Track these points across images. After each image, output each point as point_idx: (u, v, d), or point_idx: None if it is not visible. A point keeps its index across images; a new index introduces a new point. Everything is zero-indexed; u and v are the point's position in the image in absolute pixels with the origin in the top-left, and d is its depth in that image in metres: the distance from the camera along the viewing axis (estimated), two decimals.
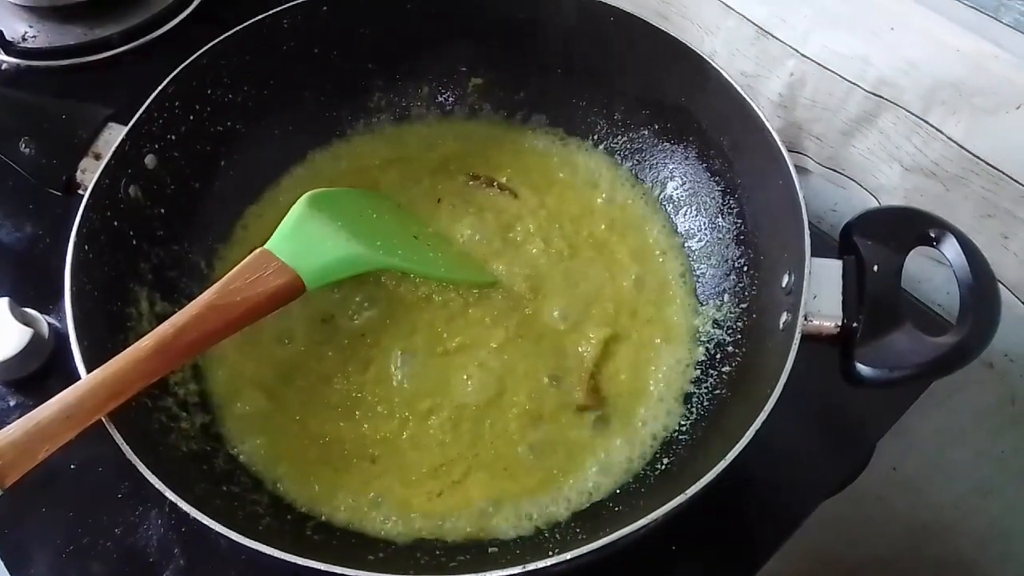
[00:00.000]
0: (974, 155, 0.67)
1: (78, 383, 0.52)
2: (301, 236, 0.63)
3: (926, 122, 0.69)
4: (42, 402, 0.51)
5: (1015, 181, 0.66)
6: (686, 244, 0.74)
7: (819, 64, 0.74)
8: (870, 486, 0.75)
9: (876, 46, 0.70)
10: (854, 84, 0.72)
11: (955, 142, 0.68)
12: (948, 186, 0.71)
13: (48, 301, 0.74)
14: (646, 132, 0.77)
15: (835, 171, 0.81)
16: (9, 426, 0.49)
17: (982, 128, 0.66)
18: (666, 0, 0.84)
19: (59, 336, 0.72)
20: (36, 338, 0.70)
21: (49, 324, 0.72)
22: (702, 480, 0.49)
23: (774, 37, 0.76)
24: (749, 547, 0.66)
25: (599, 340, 0.69)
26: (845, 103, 0.74)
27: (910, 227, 0.57)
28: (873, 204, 0.79)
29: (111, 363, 0.53)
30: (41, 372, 0.71)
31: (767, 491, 0.67)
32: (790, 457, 0.68)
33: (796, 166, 0.61)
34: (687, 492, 0.48)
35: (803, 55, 0.75)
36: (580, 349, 0.68)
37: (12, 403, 0.70)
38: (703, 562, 0.66)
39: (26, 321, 0.70)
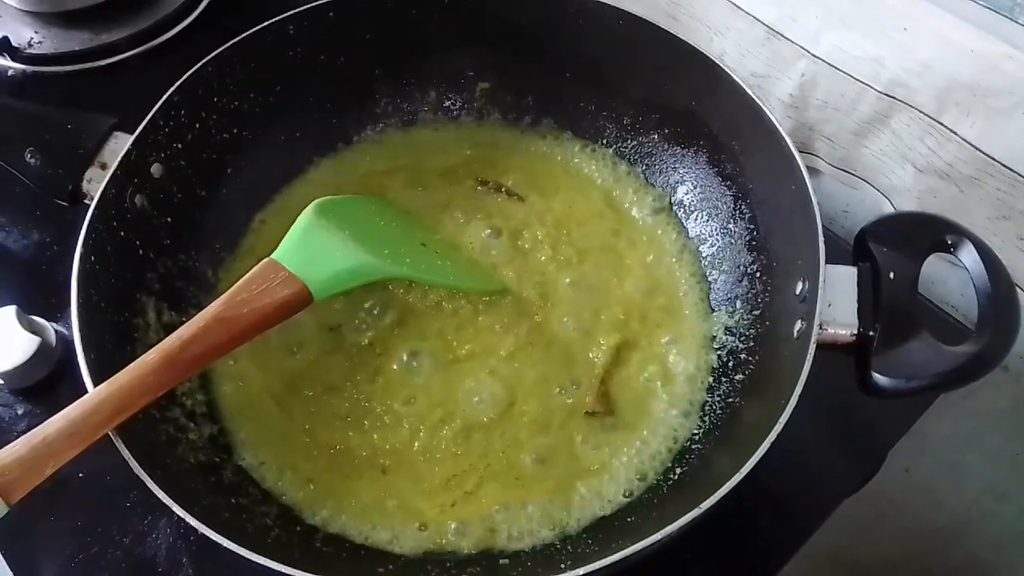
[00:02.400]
0: (989, 156, 0.66)
1: (84, 398, 0.51)
2: (308, 246, 0.62)
3: (940, 123, 0.69)
4: (50, 410, 0.51)
5: None
6: (697, 249, 0.73)
7: (831, 65, 0.73)
8: (883, 488, 0.74)
9: (889, 46, 0.69)
10: (866, 85, 0.71)
11: (969, 143, 0.67)
12: (962, 188, 0.70)
13: (56, 309, 0.74)
14: (656, 136, 0.77)
15: (847, 172, 0.80)
16: (14, 442, 0.49)
17: (997, 129, 0.65)
18: (675, 1, 0.83)
19: (67, 344, 0.72)
20: (44, 346, 0.70)
21: (57, 332, 0.72)
22: (718, 493, 0.48)
23: (785, 38, 0.75)
24: (763, 555, 0.65)
25: (609, 346, 0.68)
26: (857, 104, 0.73)
27: (926, 233, 0.56)
28: (886, 205, 0.78)
29: (117, 377, 0.52)
30: (49, 380, 0.71)
31: (781, 498, 0.67)
32: (803, 463, 0.67)
33: (808, 167, 0.61)
34: (702, 506, 0.48)
35: (814, 56, 0.74)
36: (591, 355, 0.68)
37: (20, 411, 0.70)
38: (716, 570, 0.65)
39: (34, 329, 0.70)
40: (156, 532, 0.64)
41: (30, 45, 0.92)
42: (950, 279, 0.76)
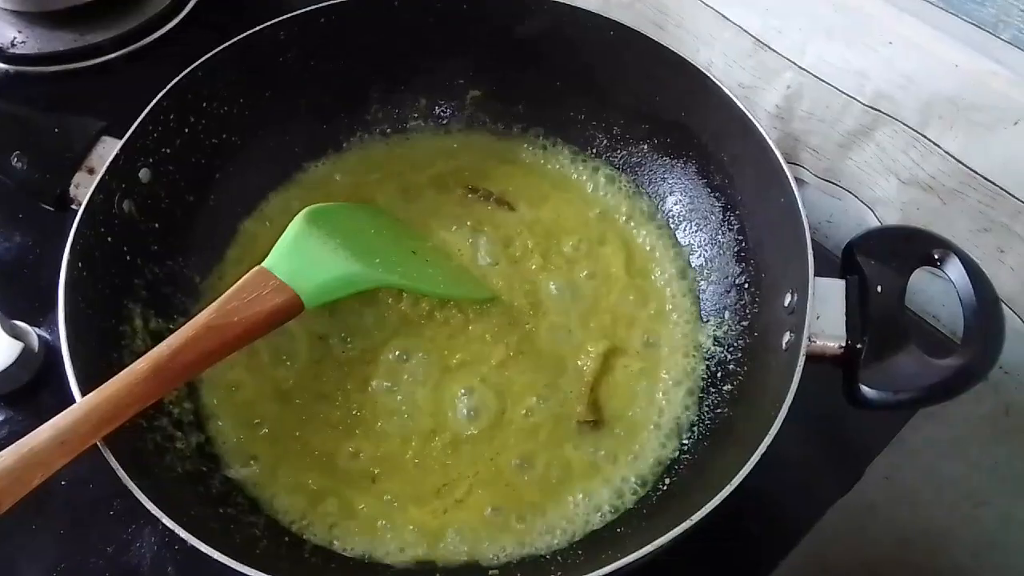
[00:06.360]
0: (971, 170, 0.67)
1: (72, 408, 0.51)
2: (299, 254, 0.62)
3: (924, 136, 0.69)
4: (32, 417, 0.50)
5: (1012, 196, 0.66)
6: (686, 260, 0.74)
7: (816, 77, 0.74)
8: (863, 495, 0.75)
9: (874, 60, 0.70)
10: (852, 97, 0.72)
11: (952, 156, 0.68)
12: (945, 200, 0.71)
13: (38, 313, 0.73)
14: (645, 146, 0.77)
15: (831, 183, 0.80)
16: (0, 453, 0.48)
17: (979, 143, 0.66)
18: (662, 11, 0.83)
19: (50, 349, 0.71)
20: (26, 352, 0.69)
21: (39, 337, 0.71)
22: (708, 505, 0.49)
23: (771, 49, 0.76)
24: (750, 563, 0.66)
25: (598, 354, 0.68)
26: (842, 116, 0.74)
27: (913, 247, 0.57)
28: (869, 217, 0.79)
29: (105, 386, 0.52)
30: (31, 385, 0.70)
31: (767, 506, 0.67)
32: (789, 472, 0.68)
33: (793, 178, 0.61)
34: (693, 518, 0.48)
35: (800, 67, 0.75)
36: (580, 363, 0.68)
37: (1, 418, 0.69)
38: None
39: (16, 334, 0.69)
40: (140, 541, 0.63)
41: (13, 45, 0.91)
42: (931, 289, 0.77)
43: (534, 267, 0.73)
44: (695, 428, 0.65)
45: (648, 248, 0.75)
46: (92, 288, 0.60)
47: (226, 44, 0.69)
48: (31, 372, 0.70)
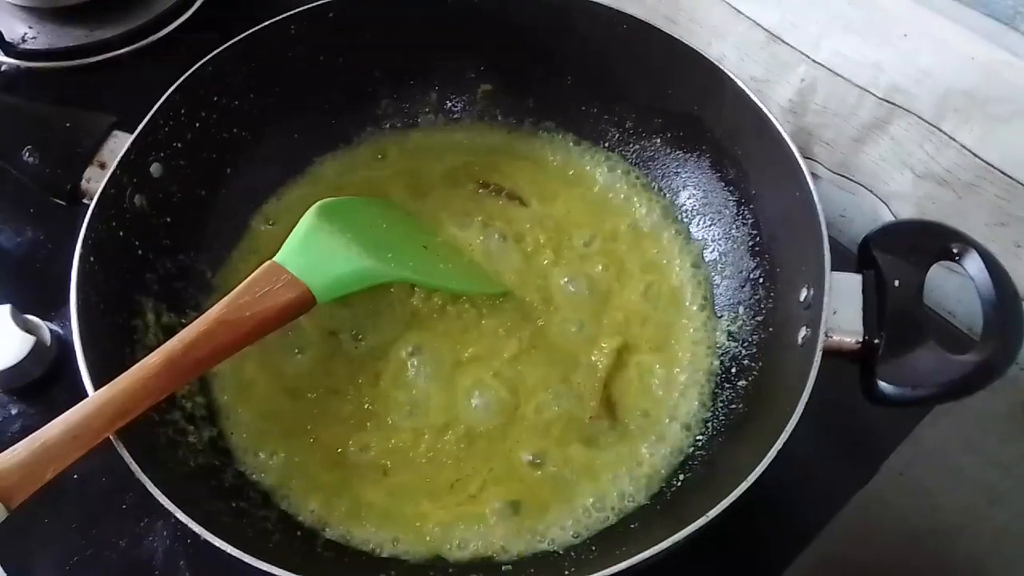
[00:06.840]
0: (987, 163, 0.67)
1: (84, 402, 0.51)
2: (311, 248, 0.62)
3: (939, 129, 0.69)
4: (44, 411, 0.50)
5: None
6: (700, 254, 0.73)
7: (830, 70, 0.73)
8: (877, 490, 0.75)
9: (889, 53, 0.69)
10: (866, 90, 0.72)
11: (968, 150, 0.67)
12: (960, 194, 0.70)
13: (50, 307, 0.74)
14: (658, 140, 0.76)
15: (845, 177, 0.80)
16: (14, 447, 0.48)
17: (996, 136, 0.66)
18: (675, 4, 0.83)
19: (62, 343, 0.71)
20: (38, 346, 0.69)
21: (51, 331, 0.72)
22: (724, 501, 0.48)
23: (785, 42, 0.76)
24: (763, 560, 0.65)
25: (611, 349, 0.68)
26: (856, 109, 0.74)
27: (931, 241, 0.56)
28: (884, 211, 0.78)
29: (118, 381, 0.52)
30: (43, 380, 0.70)
31: (781, 503, 0.67)
32: (804, 468, 0.67)
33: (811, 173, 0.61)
34: (709, 514, 0.48)
35: (814, 61, 0.74)
36: (593, 359, 0.68)
37: (14, 412, 0.69)
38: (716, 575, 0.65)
39: (28, 328, 0.70)
40: (153, 535, 0.64)
41: (23, 40, 0.91)
42: (947, 285, 0.77)
43: (546, 262, 0.72)
44: (709, 424, 0.65)
45: (661, 243, 0.74)
46: (104, 282, 0.60)
47: (236, 39, 0.69)
48: (43, 366, 0.70)
